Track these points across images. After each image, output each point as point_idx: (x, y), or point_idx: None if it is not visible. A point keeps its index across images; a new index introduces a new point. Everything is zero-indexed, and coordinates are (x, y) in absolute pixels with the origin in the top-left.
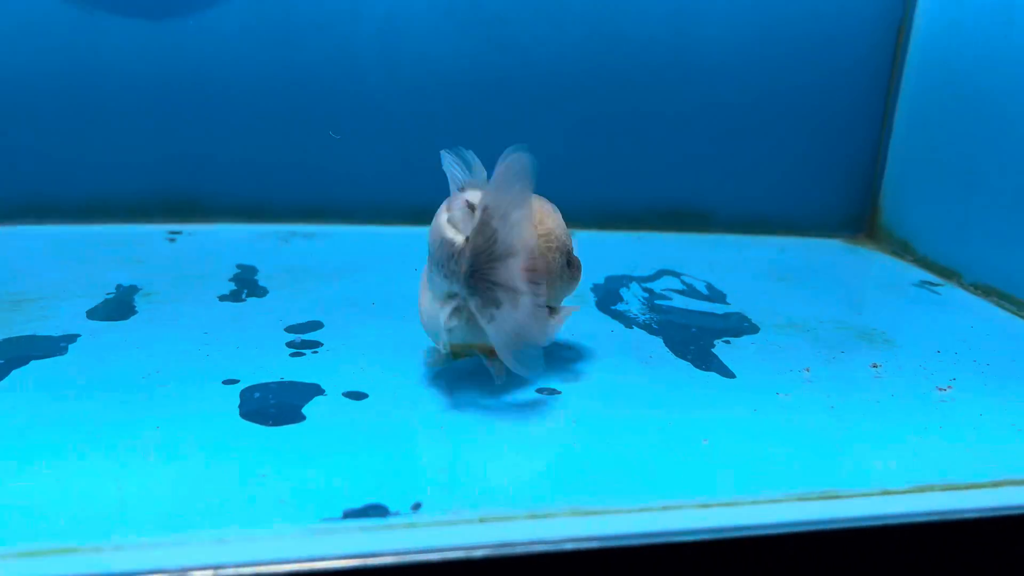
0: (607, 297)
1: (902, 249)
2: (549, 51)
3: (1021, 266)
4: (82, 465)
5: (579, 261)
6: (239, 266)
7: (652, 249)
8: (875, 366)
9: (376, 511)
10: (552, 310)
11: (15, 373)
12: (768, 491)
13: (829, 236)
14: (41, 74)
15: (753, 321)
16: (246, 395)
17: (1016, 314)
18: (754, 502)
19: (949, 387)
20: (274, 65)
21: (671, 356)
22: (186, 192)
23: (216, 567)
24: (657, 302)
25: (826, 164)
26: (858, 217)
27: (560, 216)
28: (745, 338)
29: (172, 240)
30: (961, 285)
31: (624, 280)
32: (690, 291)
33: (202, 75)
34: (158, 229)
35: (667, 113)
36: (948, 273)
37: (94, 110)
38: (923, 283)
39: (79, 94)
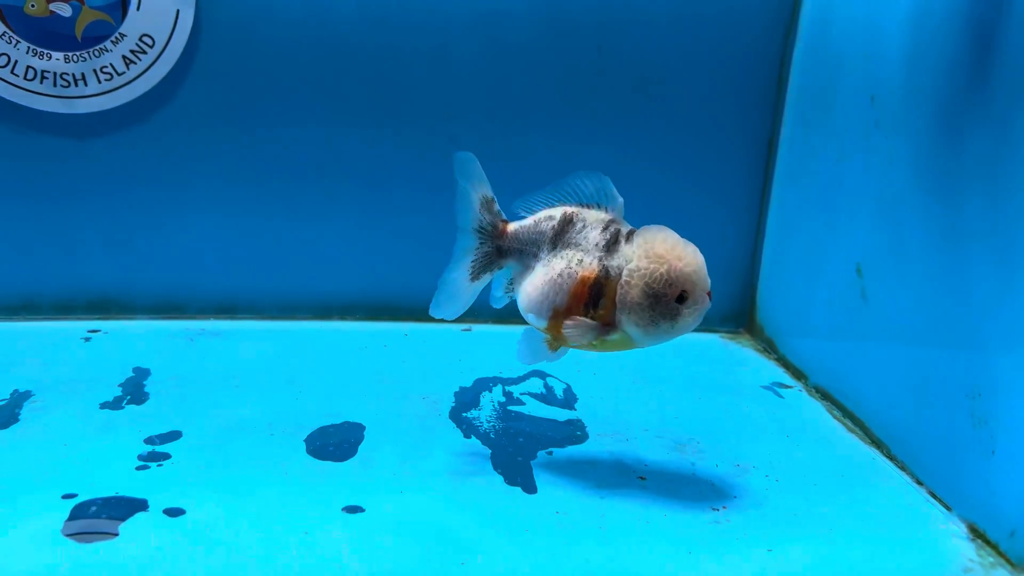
0: (467, 403)
1: (768, 347)
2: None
3: (846, 372)
4: None
5: (684, 317)
6: (135, 370)
7: None
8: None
9: None
10: (600, 320)
11: None
12: None
13: (712, 331)
14: None
15: (587, 430)
16: (80, 509)
17: (840, 420)
18: None
19: (724, 507)
20: (206, 147)
21: (488, 469)
22: (109, 288)
23: None
24: (510, 408)
25: (711, 258)
26: (740, 313)
27: (682, 266)
28: (569, 449)
29: (87, 340)
30: (807, 388)
31: (491, 382)
32: (547, 395)
33: (130, 164)
34: (79, 326)
35: None
36: (799, 374)
37: (21, 203)
38: (773, 384)
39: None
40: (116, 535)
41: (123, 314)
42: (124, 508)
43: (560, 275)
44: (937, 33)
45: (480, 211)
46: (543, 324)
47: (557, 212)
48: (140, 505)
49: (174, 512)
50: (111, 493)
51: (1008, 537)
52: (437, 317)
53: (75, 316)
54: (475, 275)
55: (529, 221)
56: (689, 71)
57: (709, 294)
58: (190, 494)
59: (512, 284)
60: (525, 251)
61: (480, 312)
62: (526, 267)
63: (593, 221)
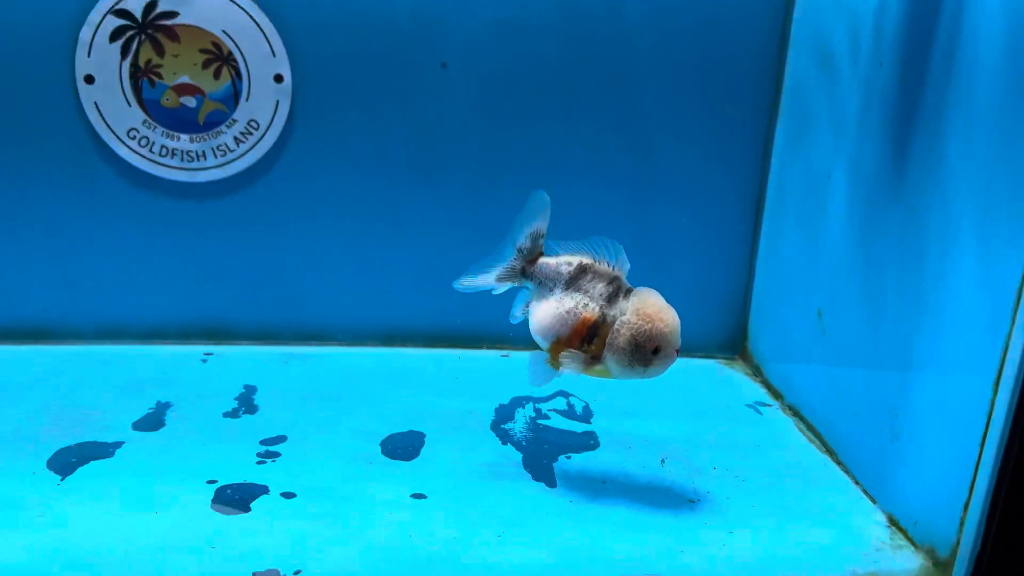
0: (504, 416)
1: (756, 371)
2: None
3: (809, 392)
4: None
5: (655, 366)
6: (245, 386)
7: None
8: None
9: (273, 574)
10: (589, 353)
11: (79, 471)
12: None
13: (711, 357)
14: None
15: (598, 439)
16: (220, 491)
17: (804, 432)
18: None
19: (699, 500)
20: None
21: (520, 468)
22: (220, 318)
23: None
24: (539, 421)
25: (713, 292)
26: (735, 341)
27: (663, 327)
28: (584, 454)
29: (204, 361)
30: (782, 406)
31: (524, 400)
32: (569, 411)
33: (239, 221)
34: (197, 350)
35: None
36: (777, 395)
37: (155, 251)
38: (755, 403)
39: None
40: (249, 511)
41: (230, 340)
42: (252, 491)
43: (568, 312)
44: (887, 79)
45: (527, 237)
46: (546, 345)
47: (575, 260)
48: (262, 490)
49: (288, 495)
50: (241, 480)
51: (913, 525)
52: (456, 288)
53: (193, 341)
54: (499, 278)
55: (553, 261)
56: (685, 106)
57: (677, 350)
58: (299, 482)
59: (528, 307)
60: (544, 283)
61: (516, 340)
62: (542, 296)
63: (602, 274)
